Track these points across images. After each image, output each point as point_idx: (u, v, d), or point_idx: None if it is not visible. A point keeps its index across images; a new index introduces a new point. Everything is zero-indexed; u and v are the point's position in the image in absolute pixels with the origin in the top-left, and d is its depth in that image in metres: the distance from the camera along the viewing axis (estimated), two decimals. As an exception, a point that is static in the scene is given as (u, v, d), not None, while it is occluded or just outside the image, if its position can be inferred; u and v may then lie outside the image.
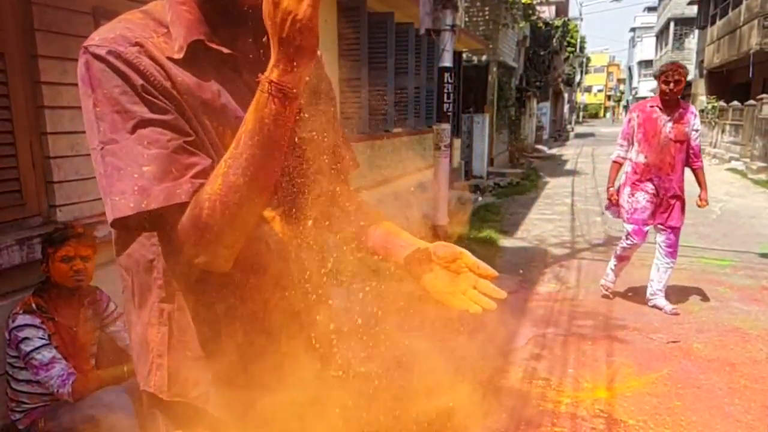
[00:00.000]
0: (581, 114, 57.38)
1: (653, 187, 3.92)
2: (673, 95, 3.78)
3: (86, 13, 2.60)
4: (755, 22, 15.03)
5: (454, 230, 6.05)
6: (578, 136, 32.53)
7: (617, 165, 4.17)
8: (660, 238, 4.04)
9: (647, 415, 2.71)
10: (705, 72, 20.62)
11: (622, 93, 65.68)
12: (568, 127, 36.19)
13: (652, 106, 3.93)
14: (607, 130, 39.06)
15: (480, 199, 9.54)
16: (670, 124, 3.85)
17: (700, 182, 3.98)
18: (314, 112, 1.05)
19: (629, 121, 4.05)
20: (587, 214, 8.26)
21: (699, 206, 3.99)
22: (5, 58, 2.34)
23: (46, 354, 1.95)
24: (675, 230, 4.00)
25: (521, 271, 5.19)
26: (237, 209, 0.81)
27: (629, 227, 4.02)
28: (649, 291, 4.18)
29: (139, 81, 0.81)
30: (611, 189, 4.18)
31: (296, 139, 0.99)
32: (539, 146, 21.52)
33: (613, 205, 4.16)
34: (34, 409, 2.06)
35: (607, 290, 4.31)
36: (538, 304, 4.34)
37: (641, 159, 3.95)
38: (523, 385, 3.03)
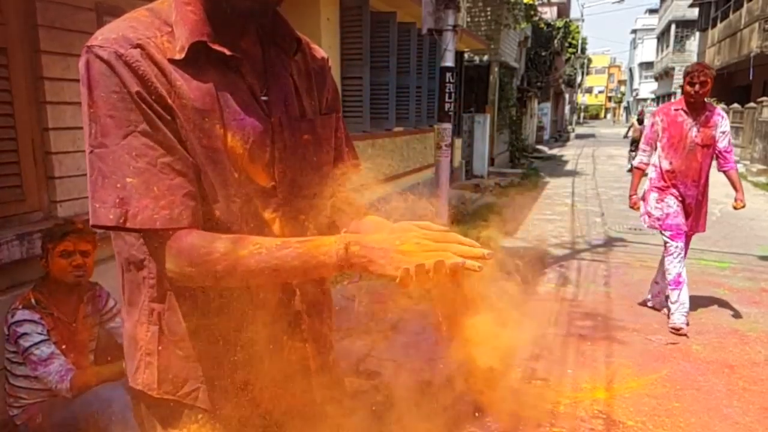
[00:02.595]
0: (582, 115, 57.43)
1: (679, 194, 3.74)
2: (699, 97, 3.58)
3: (89, 9, 2.60)
4: (756, 25, 15.03)
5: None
6: (579, 136, 32.51)
7: (640, 171, 3.95)
8: None
9: (646, 416, 2.71)
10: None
11: (623, 94, 65.71)
12: (569, 127, 36.23)
13: (676, 110, 3.72)
14: (608, 131, 39.06)
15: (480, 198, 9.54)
16: (696, 128, 3.65)
17: (734, 184, 3.78)
18: (318, 115, 1.05)
19: (652, 125, 3.83)
20: (587, 214, 8.26)
21: (735, 208, 3.79)
22: (8, 53, 2.34)
23: (45, 349, 1.94)
24: (690, 237, 3.88)
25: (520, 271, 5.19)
26: (234, 279, 0.85)
27: (666, 234, 3.76)
28: (648, 294, 4.13)
29: (135, 87, 0.82)
30: (634, 197, 3.97)
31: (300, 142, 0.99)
32: (540, 146, 21.53)
33: (645, 214, 3.90)
34: (32, 405, 2.06)
35: (679, 331, 3.70)
36: (537, 304, 4.34)
37: (666, 165, 3.75)
38: (521, 385, 3.03)
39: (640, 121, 14.14)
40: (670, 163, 3.74)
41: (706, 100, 3.68)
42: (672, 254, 3.75)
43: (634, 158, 14.26)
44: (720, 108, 3.83)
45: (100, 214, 0.82)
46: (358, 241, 0.81)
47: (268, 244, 0.83)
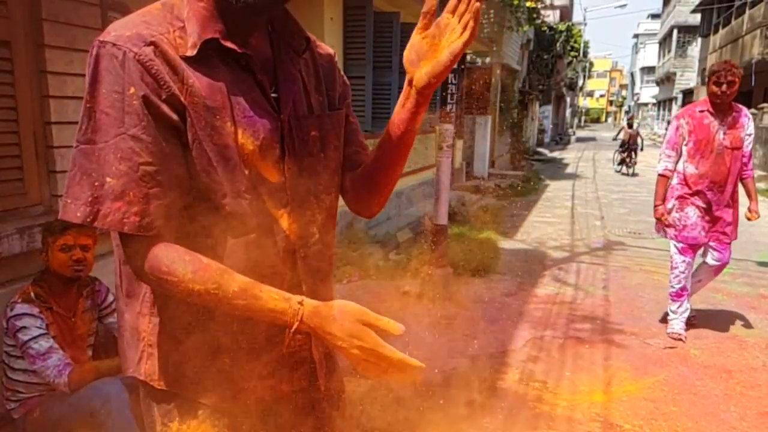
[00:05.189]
0: (583, 118, 57.41)
1: (705, 201, 3.51)
2: (726, 98, 3.36)
3: (94, 4, 2.61)
4: (757, 32, 15.06)
5: (454, 230, 6.06)
6: (579, 140, 32.55)
7: (665, 179, 3.62)
8: (713, 255, 3.60)
9: (643, 420, 2.71)
10: (707, 80, 20.65)
11: (624, 98, 65.76)
12: (570, 130, 36.24)
13: (702, 111, 3.50)
14: (609, 134, 39.04)
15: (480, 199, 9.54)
16: (723, 130, 3.44)
17: (750, 192, 3.56)
18: (326, 112, 1.05)
19: (677, 128, 3.57)
20: (587, 217, 8.27)
21: (748, 219, 3.57)
22: (11, 46, 2.34)
23: (44, 343, 1.94)
24: (727, 246, 3.58)
25: (520, 273, 5.20)
26: (188, 301, 0.88)
27: (678, 246, 3.61)
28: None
29: (143, 89, 0.82)
30: (660, 207, 3.63)
31: (306, 139, 1.00)
32: (541, 149, 21.54)
33: (665, 224, 3.67)
34: (30, 399, 2.05)
35: (678, 337, 3.67)
36: (536, 306, 4.34)
37: (692, 170, 3.51)
38: (519, 388, 3.03)
39: (630, 125, 14.91)
40: (697, 169, 3.50)
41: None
42: (677, 268, 3.63)
43: (620, 159, 15.18)
44: (746, 109, 3.58)
45: (69, 210, 0.83)
46: (309, 321, 0.87)
47: (225, 288, 0.85)
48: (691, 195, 3.54)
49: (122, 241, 0.89)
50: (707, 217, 3.54)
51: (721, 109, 3.46)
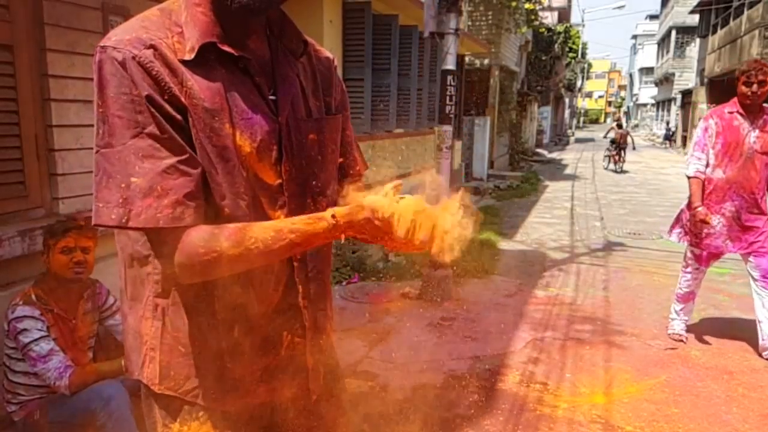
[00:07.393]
0: (582, 119, 57.52)
1: (733, 209, 3.35)
2: (757, 99, 3.20)
3: (95, 8, 2.61)
4: (756, 32, 15.08)
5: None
6: (578, 141, 32.59)
7: (698, 180, 3.39)
8: (751, 265, 3.41)
9: (645, 422, 2.70)
10: (706, 80, 20.68)
11: (623, 99, 65.87)
12: (569, 131, 36.31)
13: (731, 112, 3.35)
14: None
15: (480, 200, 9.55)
16: (754, 133, 3.28)
17: None
18: (324, 116, 1.06)
19: (706, 129, 3.40)
20: (586, 218, 8.27)
21: None
22: (14, 50, 2.34)
23: (45, 346, 1.94)
24: (766, 255, 3.37)
25: (520, 274, 5.20)
26: (235, 271, 0.89)
27: (695, 252, 3.50)
28: (761, 340, 3.45)
29: (147, 90, 0.83)
30: (702, 208, 3.34)
31: (305, 141, 1.00)
32: (540, 150, 21.56)
33: (680, 227, 3.53)
34: (30, 401, 2.05)
35: (679, 338, 3.65)
36: (536, 307, 4.34)
37: (719, 174, 3.35)
38: (520, 389, 3.03)
39: (620, 126, 15.97)
40: (724, 173, 3.35)
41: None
42: (689, 273, 3.57)
43: (608, 156, 14.91)
44: None
45: (102, 214, 0.83)
46: (346, 213, 0.88)
47: (263, 237, 0.86)
48: (717, 202, 3.39)
49: (155, 239, 0.88)
50: (735, 226, 3.38)
51: (752, 110, 3.31)
